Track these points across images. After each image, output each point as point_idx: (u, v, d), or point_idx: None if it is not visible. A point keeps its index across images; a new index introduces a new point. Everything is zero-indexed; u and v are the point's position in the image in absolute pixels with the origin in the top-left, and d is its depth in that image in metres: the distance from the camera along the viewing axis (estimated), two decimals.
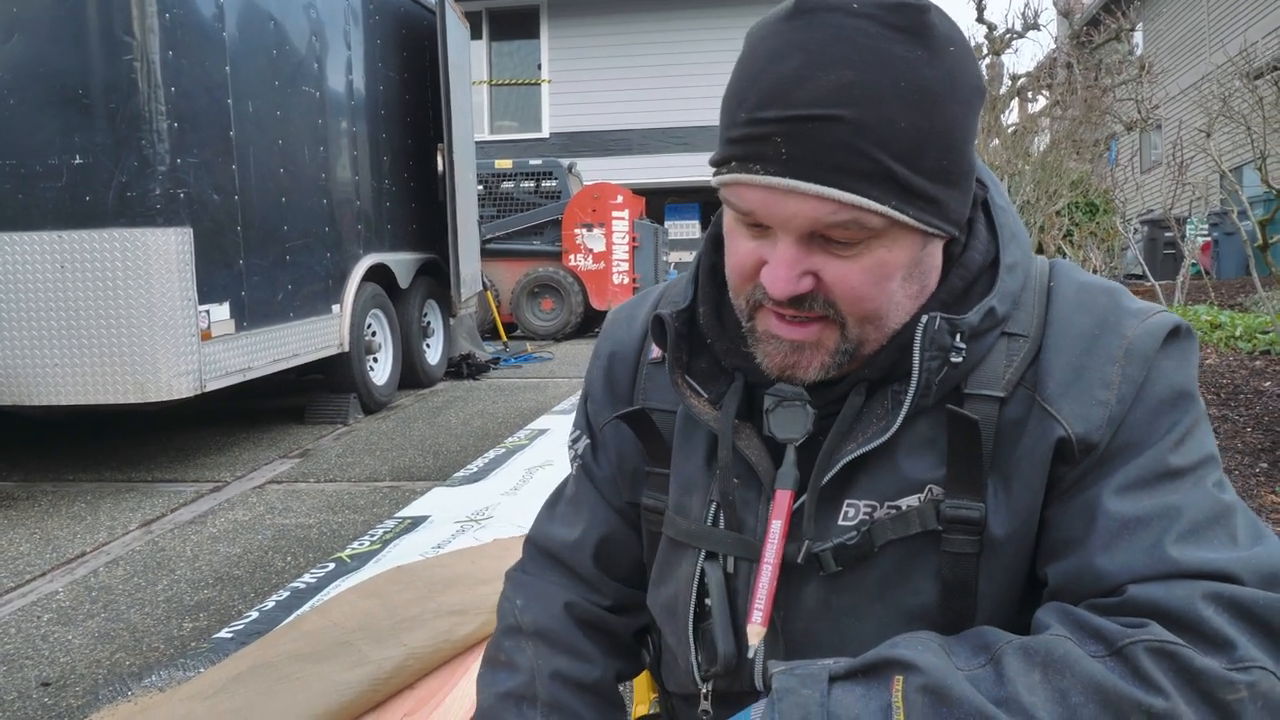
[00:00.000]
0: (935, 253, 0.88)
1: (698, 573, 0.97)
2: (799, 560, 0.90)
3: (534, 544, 1.17)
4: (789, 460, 0.90)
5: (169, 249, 4.41)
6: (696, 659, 0.98)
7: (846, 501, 0.89)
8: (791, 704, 0.78)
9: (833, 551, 0.89)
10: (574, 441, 1.15)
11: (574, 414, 1.18)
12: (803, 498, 0.90)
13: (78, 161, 4.33)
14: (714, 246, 0.99)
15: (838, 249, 0.82)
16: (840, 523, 0.90)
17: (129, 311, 4.36)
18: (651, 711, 1.22)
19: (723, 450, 0.93)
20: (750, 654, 0.92)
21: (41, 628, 3.03)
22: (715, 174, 0.86)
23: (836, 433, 0.88)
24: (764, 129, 0.79)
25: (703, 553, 0.97)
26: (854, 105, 0.77)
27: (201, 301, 4.61)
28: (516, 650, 1.07)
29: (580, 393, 1.17)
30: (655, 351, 1.04)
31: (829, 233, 0.81)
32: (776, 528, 0.89)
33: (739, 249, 0.87)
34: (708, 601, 0.96)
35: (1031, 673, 0.77)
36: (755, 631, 0.88)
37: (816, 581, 0.91)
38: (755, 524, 0.94)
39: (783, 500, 0.89)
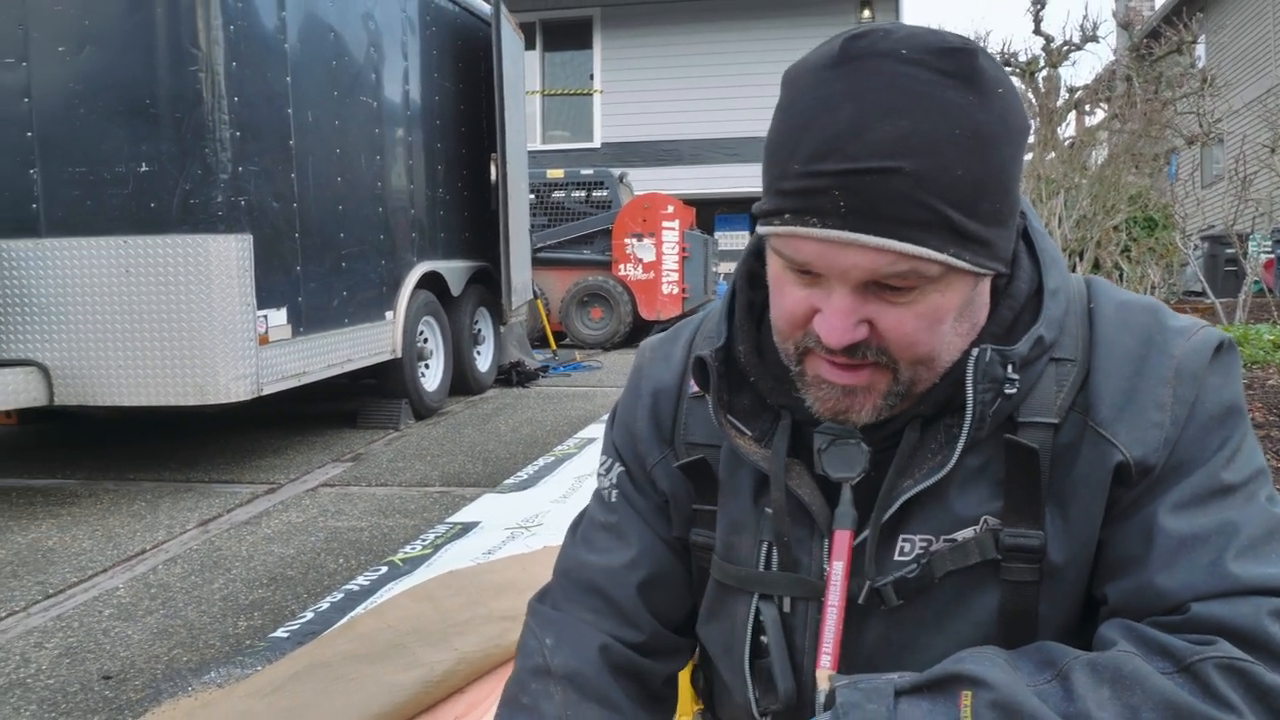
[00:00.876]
0: (985, 290, 0.87)
1: (752, 612, 0.96)
2: (860, 600, 0.89)
3: (566, 576, 1.11)
4: (846, 499, 0.89)
5: (229, 255, 4.51)
6: (754, 695, 0.98)
7: (902, 537, 0.89)
8: (857, 719, 0.79)
9: (894, 585, 0.89)
10: (606, 470, 1.12)
11: (602, 440, 1.15)
12: (862, 535, 0.89)
13: (144, 169, 4.44)
14: (749, 283, 0.98)
15: (892, 295, 0.81)
16: (896, 558, 0.90)
17: (190, 315, 4.46)
18: None
19: (775, 491, 0.92)
20: (821, 699, 0.89)
21: (103, 622, 3.11)
22: (764, 223, 0.84)
23: (896, 470, 0.88)
24: (821, 181, 0.78)
25: (757, 593, 0.96)
26: (912, 156, 0.76)
27: (260, 307, 4.70)
28: (543, 695, 1.02)
29: (608, 421, 1.15)
30: (694, 386, 1.02)
31: (886, 281, 0.80)
32: (839, 569, 0.88)
33: (789, 296, 0.86)
34: (763, 639, 0.95)
35: (1100, 688, 0.77)
36: (824, 675, 0.87)
37: (876, 617, 0.91)
38: (809, 562, 0.93)
39: (842, 540, 0.88)
